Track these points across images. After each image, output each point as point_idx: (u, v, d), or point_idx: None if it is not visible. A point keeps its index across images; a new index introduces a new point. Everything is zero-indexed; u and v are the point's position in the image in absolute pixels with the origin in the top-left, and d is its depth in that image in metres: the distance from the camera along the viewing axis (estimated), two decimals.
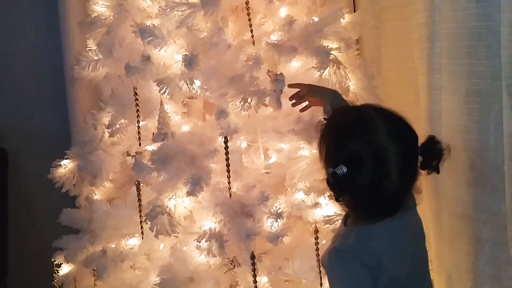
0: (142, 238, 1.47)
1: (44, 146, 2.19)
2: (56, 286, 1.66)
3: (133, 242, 1.50)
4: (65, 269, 1.63)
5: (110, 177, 1.63)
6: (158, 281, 1.32)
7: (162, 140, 1.42)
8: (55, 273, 1.65)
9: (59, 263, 1.65)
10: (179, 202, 1.34)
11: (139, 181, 1.45)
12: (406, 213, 1.06)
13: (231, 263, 1.48)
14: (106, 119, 1.49)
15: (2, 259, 2.06)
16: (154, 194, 1.39)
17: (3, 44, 2.21)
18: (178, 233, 1.35)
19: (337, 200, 1.02)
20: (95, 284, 1.58)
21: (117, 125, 1.47)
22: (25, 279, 2.15)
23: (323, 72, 1.39)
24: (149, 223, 1.33)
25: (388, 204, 1.02)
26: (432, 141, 1.05)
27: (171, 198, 1.33)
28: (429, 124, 1.55)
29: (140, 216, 1.44)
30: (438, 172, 1.06)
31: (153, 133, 1.49)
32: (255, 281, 1.35)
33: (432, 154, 1.05)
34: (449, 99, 1.47)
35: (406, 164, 1.01)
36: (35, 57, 2.23)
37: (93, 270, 1.55)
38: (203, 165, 1.36)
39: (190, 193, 1.30)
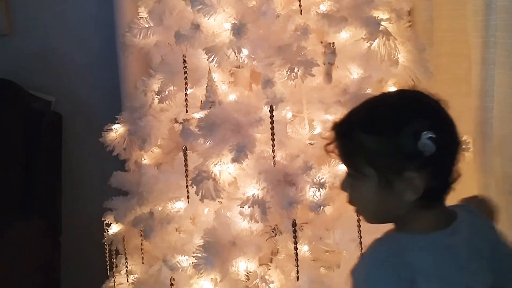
0: (188, 202, 1.51)
1: (97, 111, 2.26)
2: (105, 244, 1.74)
3: (179, 205, 1.55)
4: (115, 228, 1.70)
5: (159, 143, 1.68)
6: (202, 243, 1.36)
7: (210, 108, 1.45)
8: (105, 232, 1.73)
9: (109, 222, 1.73)
10: (224, 169, 1.36)
11: (186, 147, 1.49)
12: (462, 230, 0.94)
13: (272, 231, 1.51)
14: (155, 86, 1.53)
15: (57, 218, 2.17)
16: (200, 160, 1.43)
17: (57, 11, 2.27)
18: (222, 199, 1.38)
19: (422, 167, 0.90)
20: (142, 243, 1.65)
21: (166, 92, 1.50)
22: (77, 236, 2.26)
23: (372, 43, 1.38)
24: (194, 187, 1.37)
25: (443, 189, 0.96)
26: None
27: (216, 164, 1.36)
28: (480, 99, 1.51)
29: (186, 180, 1.48)
30: None
31: (201, 101, 1.52)
32: (295, 249, 1.37)
33: None
34: (502, 74, 1.43)
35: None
36: (88, 24, 2.29)
37: (141, 230, 1.61)
38: (248, 134, 1.38)
39: (235, 160, 1.33)
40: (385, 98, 1.02)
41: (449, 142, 0.93)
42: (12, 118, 2.08)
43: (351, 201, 1.02)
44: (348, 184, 1.00)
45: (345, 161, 1.00)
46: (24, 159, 2.08)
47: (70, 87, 2.30)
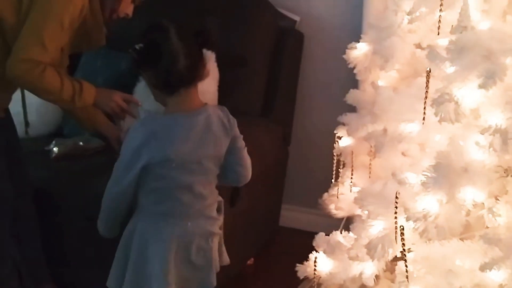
0: (423, 123, 1.53)
1: (336, 32, 2.35)
2: (334, 155, 1.87)
3: (412, 128, 1.57)
4: (345, 141, 1.81)
5: (397, 67, 1.71)
6: (434, 164, 1.38)
7: (460, 33, 1.42)
8: (335, 143, 1.86)
9: (340, 136, 1.84)
10: (467, 93, 1.35)
11: (430, 69, 1.49)
12: (202, 115, 1.43)
13: (504, 172, 1.46)
14: (407, 6, 1.54)
15: (289, 127, 2.38)
16: (440, 84, 1.43)
17: None
18: (461, 123, 1.38)
19: (137, 71, 1.52)
20: (370, 159, 1.74)
21: (417, 13, 1.51)
22: (307, 147, 2.46)
23: None
24: (434, 109, 1.38)
25: (173, 82, 1.39)
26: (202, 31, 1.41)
27: (460, 88, 1.35)
28: None
29: (425, 103, 1.49)
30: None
31: (452, 26, 1.49)
32: None
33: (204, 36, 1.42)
34: None
35: (188, 58, 1.38)
36: None
37: (371, 147, 1.69)
38: (499, 61, 1.33)
39: (481, 86, 1.30)
40: None
41: (156, 58, 1.37)
42: (262, 32, 2.29)
43: None
44: None
45: None
46: (268, 70, 2.29)
47: (313, 7, 2.40)
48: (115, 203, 1.46)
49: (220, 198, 1.54)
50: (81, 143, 2.06)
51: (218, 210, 1.53)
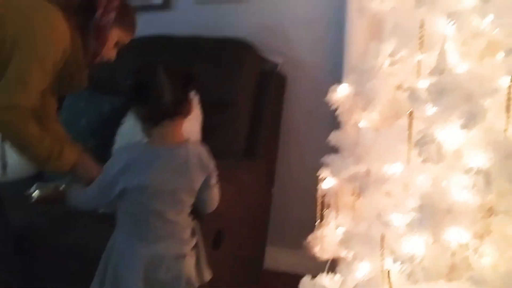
0: (407, 164, 1.53)
1: (318, 74, 2.38)
2: (319, 197, 1.86)
3: (395, 169, 1.58)
4: (329, 183, 1.81)
5: (379, 109, 1.73)
6: (419, 205, 1.38)
7: (439, 75, 1.45)
8: (319, 185, 1.85)
9: (323, 177, 1.84)
10: (449, 134, 1.36)
11: (412, 110, 1.51)
12: (182, 151, 1.55)
13: (487, 211, 1.47)
14: (388, 50, 1.57)
15: (271, 172, 2.38)
16: (421, 126, 1.44)
17: None
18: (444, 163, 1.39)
19: (131, 105, 1.61)
20: (354, 201, 1.74)
21: (398, 56, 1.54)
22: (290, 189, 2.45)
23: None
24: (417, 150, 1.39)
25: (159, 114, 1.51)
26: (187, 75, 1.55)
27: (442, 129, 1.36)
28: None
29: (409, 144, 1.50)
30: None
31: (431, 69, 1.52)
32: None
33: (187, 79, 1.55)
34: None
35: (173, 93, 1.50)
36: None
37: (354, 189, 1.69)
38: (479, 104, 1.35)
39: (463, 126, 1.32)
40: None
41: (144, 92, 1.50)
42: (245, 75, 2.31)
43: None
44: None
45: None
46: (251, 112, 2.30)
47: (295, 49, 2.43)
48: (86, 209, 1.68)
49: (194, 224, 1.64)
50: (62, 187, 2.02)
51: (192, 233, 1.63)
